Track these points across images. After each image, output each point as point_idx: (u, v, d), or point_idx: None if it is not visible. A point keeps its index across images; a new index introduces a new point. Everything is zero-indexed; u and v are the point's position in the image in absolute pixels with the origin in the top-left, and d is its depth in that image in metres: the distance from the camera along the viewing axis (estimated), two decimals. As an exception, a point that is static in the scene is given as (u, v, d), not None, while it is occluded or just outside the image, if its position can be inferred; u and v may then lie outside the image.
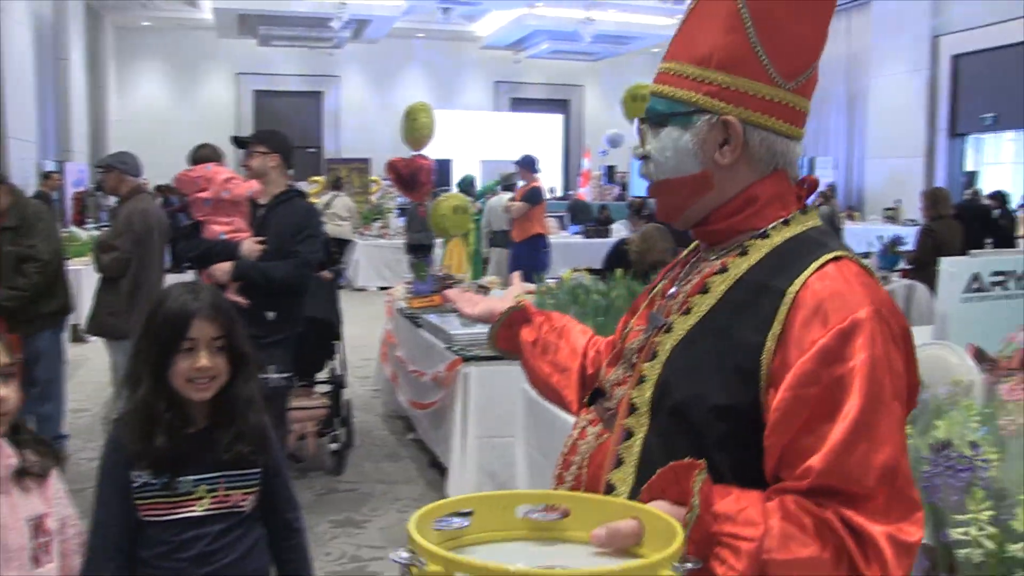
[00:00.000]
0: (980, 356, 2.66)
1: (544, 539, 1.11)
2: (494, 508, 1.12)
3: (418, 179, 7.34)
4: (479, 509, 1.11)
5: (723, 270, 1.28)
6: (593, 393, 1.46)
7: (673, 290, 1.38)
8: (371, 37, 20.05)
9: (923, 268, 6.89)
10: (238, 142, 4.49)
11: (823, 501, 1.09)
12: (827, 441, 1.10)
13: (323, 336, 5.52)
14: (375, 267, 13.95)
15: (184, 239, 4.41)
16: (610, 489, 1.26)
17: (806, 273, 1.19)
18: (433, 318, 5.49)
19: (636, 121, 1.40)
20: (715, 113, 1.28)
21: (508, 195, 10.27)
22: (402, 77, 22.59)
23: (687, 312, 1.28)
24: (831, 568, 1.07)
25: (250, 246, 4.16)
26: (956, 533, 1.53)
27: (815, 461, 1.10)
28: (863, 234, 12.80)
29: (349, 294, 13.44)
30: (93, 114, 17.89)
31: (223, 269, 4.09)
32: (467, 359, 4.62)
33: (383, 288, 12.08)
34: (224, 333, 2.07)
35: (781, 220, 1.29)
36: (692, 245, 1.47)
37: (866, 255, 10.06)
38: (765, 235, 1.29)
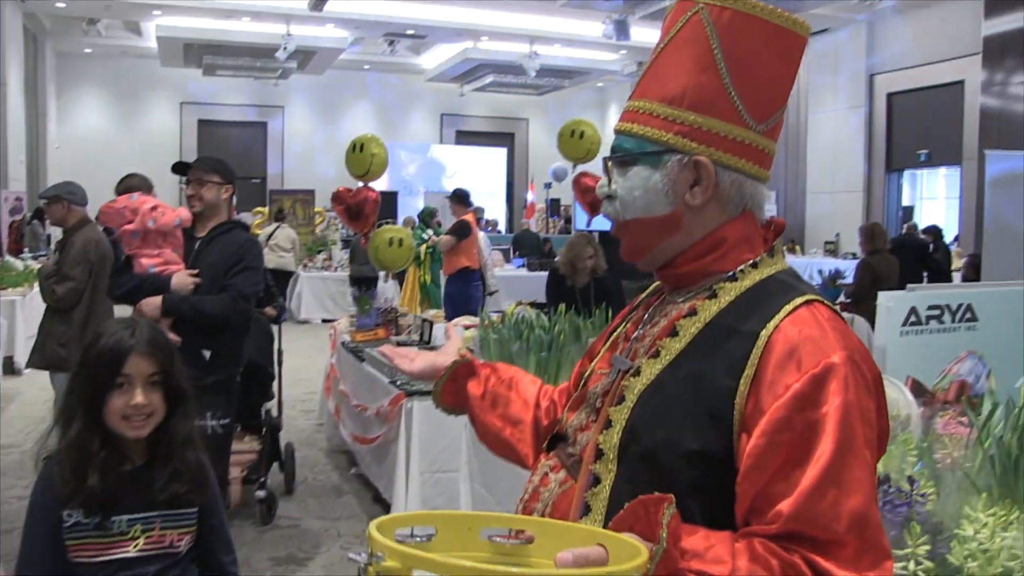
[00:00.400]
0: (918, 389, 2.70)
1: (507, 563, 1.08)
2: (458, 528, 1.10)
3: (363, 211, 7.29)
4: (441, 527, 1.08)
5: (692, 313, 1.26)
6: (553, 438, 1.42)
7: (638, 332, 1.36)
8: (317, 68, 20.02)
9: (861, 302, 7.02)
10: (183, 168, 4.25)
11: (791, 546, 1.08)
12: (798, 486, 1.09)
13: (253, 379, 5.15)
14: (319, 299, 13.84)
15: (117, 274, 4.14)
16: None
17: (779, 316, 1.17)
18: (376, 352, 5.44)
19: (602, 159, 1.35)
20: (687, 153, 1.26)
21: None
22: (347, 108, 22.57)
23: (656, 355, 1.26)
24: None
25: (182, 279, 3.93)
26: (895, 568, 1.54)
27: (784, 506, 1.08)
28: (804, 267, 13.03)
29: (292, 326, 13.29)
30: (31, 141, 17.55)
31: (152, 304, 3.84)
32: (410, 394, 4.58)
33: (327, 321, 11.98)
34: (160, 370, 2.02)
35: (749, 263, 1.28)
36: (653, 286, 1.44)
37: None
38: (733, 278, 1.27)
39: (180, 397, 2.07)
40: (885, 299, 4.45)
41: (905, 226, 13.90)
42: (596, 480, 1.24)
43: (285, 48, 16.84)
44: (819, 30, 16.66)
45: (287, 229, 13.80)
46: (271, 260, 13.16)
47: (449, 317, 6.93)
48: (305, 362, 9.73)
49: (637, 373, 1.27)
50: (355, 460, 5.91)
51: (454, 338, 1.85)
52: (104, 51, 20.01)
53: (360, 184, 6.79)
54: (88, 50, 19.99)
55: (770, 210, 17.75)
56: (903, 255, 7.99)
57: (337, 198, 7.17)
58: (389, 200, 16.68)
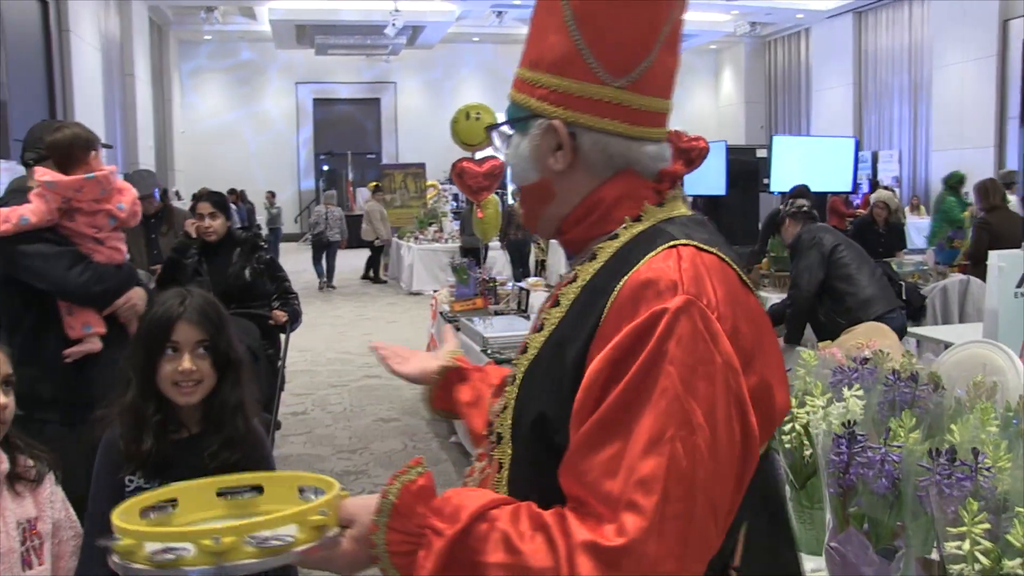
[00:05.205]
0: (1027, 356, 2.51)
1: (240, 515, 1.26)
2: (197, 495, 1.32)
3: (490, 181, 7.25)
4: (182, 497, 1.30)
5: (573, 280, 1.21)
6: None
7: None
8: (426, 43, 20.16)
9: (979, 263, 6.63)
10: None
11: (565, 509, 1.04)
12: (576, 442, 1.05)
13: None
14: (430, 271, 14.02)
15: (73, 263, 3.13)
16: None
17: (639, 265, 1.10)
18: (475, 321, 5.46)
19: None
20: (547, 117, 1.21)
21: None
22: (458, 81, 22.70)
23: (540, 329, 1.22)
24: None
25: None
26: (950, 547, 1.43)
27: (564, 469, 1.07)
28: (926, 228, 12.44)
29: (404, 298, 13.56)
30: (158, 127, 18.26)
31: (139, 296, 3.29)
32: (500, 363, 4.56)
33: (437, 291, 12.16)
34: (207, 337, 2.06)
35: (631, 218, 1.21)
36: None
37: (922, 251, 9.77)
38: (615, 236, 1.20)
39: (230, 366, 2.10)
40: (997, 259, 4.15)
41: (1040, 181, 13.07)
42: (499, 466, 1.21)
43: (394, 24, 17.01)
44: (944, -24, 15.81)
45: (375, 203, 15.69)
46: (367, 232, 15.33)
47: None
48: (413, 333, 9.92)
49: (525, 350, 1.22)
50: (454, 429, 5.96)
51: (450, 341, 1.81)
52: (222, 37, 20.66)
53: (468, 154, 6.72)
54: (208, 36, 20.67)
55: (892, 170, 17.01)
56: (1031, 212, 7.51)
57: (462, 171, 6.89)
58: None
